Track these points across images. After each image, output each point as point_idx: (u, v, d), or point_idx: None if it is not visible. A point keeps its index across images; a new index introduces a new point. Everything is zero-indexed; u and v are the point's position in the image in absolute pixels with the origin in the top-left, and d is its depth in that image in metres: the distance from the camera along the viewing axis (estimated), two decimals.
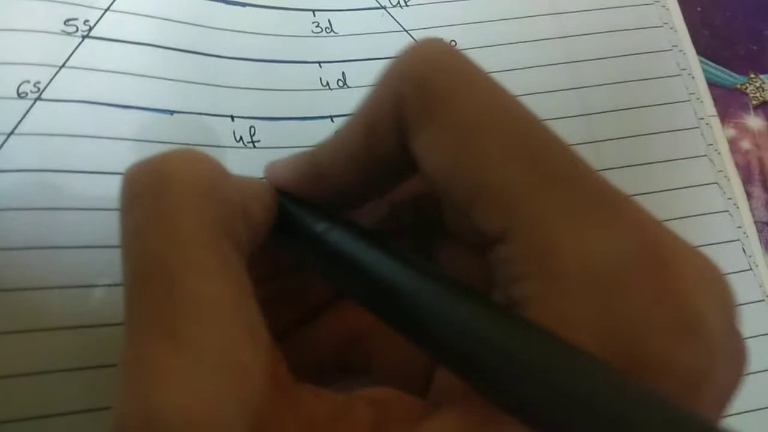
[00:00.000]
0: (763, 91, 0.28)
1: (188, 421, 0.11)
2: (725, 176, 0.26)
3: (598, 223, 0.12)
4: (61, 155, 0.20)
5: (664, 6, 0.28)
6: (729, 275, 0.22)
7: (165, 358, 0.11)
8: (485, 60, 0.24)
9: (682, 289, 0.12)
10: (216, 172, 0.14)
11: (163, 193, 0.13)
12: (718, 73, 0.28)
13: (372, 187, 0.16)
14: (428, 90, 0.14)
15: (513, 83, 0.24)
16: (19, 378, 0.18)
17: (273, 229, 0.16)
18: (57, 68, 0.21)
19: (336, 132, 0.16)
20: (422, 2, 0.26)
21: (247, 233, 0.14)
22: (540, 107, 0.24)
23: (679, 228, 0.23)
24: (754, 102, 0.28)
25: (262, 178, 0.17)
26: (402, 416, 0.13)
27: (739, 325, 0.14)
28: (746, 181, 0.26)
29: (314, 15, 0.25)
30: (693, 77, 0.27)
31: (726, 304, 0.13)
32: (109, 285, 0.19)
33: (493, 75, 0.24)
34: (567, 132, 0.24)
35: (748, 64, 0.29)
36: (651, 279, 0.12)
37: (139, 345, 0.12)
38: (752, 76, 0.29)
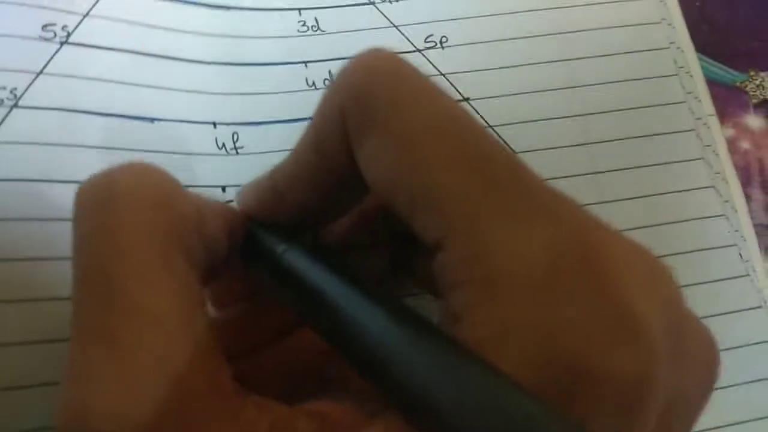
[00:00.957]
0: (763, 89, 0.28)
1: (116, 426, 0.11)
2: (723, 178, 0.25)
3: (533, 226, 0.12)
4: (39, 164, 0.20)
5: (661, 1, 0.27)
6: (725, 281, 0.22)
7: (100, 363, 0.12)
8: (477, 56, 0.24)
9: (618, 289, 0.12)
10: (167, 184, 0.14)
11: (109, 204, 0.13)
12: (718, 70, 0.27)
13: (332, 205, 0.16)
14: (368, 100, 0.14)
15: (505, 80, 0.24)
16: None
17: (242, 251, 0.16)
18: (34, 75, 0.20)
19: (290, 151, 0.16)
20: None
21: (202, 248, 0.14)
22: (533, 106, 0.24)
23: (673, 233, 0.23)
24: (754, 100, 0.27)
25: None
26: (343, 428, 0.13)
27: (695, 325, 0.13)
28: (745, 182, 0.26)
29: (300, 14, 0.25)
30: (691, 75, 0.26)
31: (670, 304, 0.13)
32: None
33: (486, 72, 0.24)
34: (560, 132, 0.23)
35: (748, 61, 0.28)
36: (585, 280, 0.12)
37: (79, 350, 0.12)
38: (752, 73, 0.28)
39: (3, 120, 0.20)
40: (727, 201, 0.24)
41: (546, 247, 0.12)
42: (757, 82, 0.28)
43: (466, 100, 0.24)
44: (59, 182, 0.20)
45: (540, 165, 0.22)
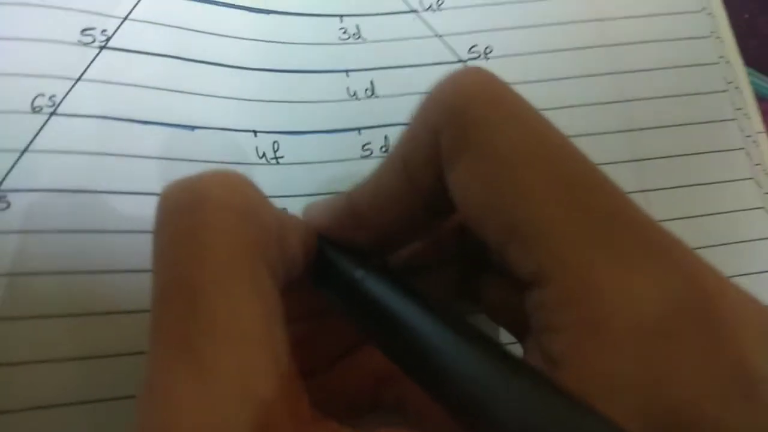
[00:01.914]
0: None
1: None
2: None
3: (644, 268, 0.11)
4: (78, 173, 0.19)
5: (710, 13, 0.26)
6: None
7: (182, 382, 0.11)
8: (522, 68, 0.24)
9: (738, 344, 0.11)
10: (253, 195, 0.13)
11: (195, 211, 0.12)
12: (767, 85, 0.27)
13: (412, 227, 0.15)
14: (463, 119, 0.13)
15: (551, 94, 0.23)
16: None
17: (310, 269, 0.15)
18: (73, 81, 0.20)
19: (373, 171, 0.15)
20: (456, 5, 0.25)
21: (283, 262, 0.14)
22: (580, 122, 0.23)
23: (721, 254, 0.22)
24: None
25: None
26: None
27: None
28: None
29: (341, 21, 0.24)
30: (740, 90, 0.25)
31: None
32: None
33: (532, 84, 0.23)
34: (607, 147, 0.23)
35: None
36: (704, 332, 0.11)
37: (159, 366, 0.12)
38: None
39: (42, 128, 0.19)
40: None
41: (659, 292, 0.11)
42: None
43: None
44: (99, 192, 0.19)
45: None
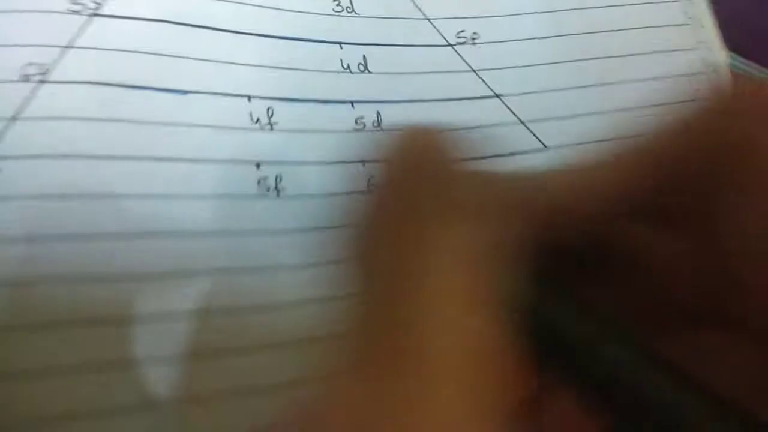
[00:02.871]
0: None
1: None
2: None
3: None
4: (70, 140, 0.19)
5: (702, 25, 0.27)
6: None
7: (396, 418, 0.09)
8: (507, 55, 0.24)
9: None
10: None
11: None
12: (749, 69, 0.27)
13: None
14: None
15: (534, 79, 0.23)
16: None
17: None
18: (63, 49, 0.20)
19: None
20: None
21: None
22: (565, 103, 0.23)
23: None
24: None
25: None
26: None
27: None
28: None
29: None
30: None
31: None
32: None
33: (517, 69, 0.23)
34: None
35: None
36: None
37: (368, 388, 0.09)
38: None
39: (32, 96, 0.19)
40: None
41: None
42: None
43: (498, 96, 0.24)
44: (90, 158, 0.19)
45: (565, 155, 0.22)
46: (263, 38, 0.22)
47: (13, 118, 0.19)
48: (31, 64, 0.19)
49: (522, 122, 0.23)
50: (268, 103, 0.21)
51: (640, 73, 0.25)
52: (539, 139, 0.23)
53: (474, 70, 0.24)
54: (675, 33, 0.26)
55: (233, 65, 0.22)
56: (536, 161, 0.23)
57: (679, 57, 0.26)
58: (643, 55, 0.26)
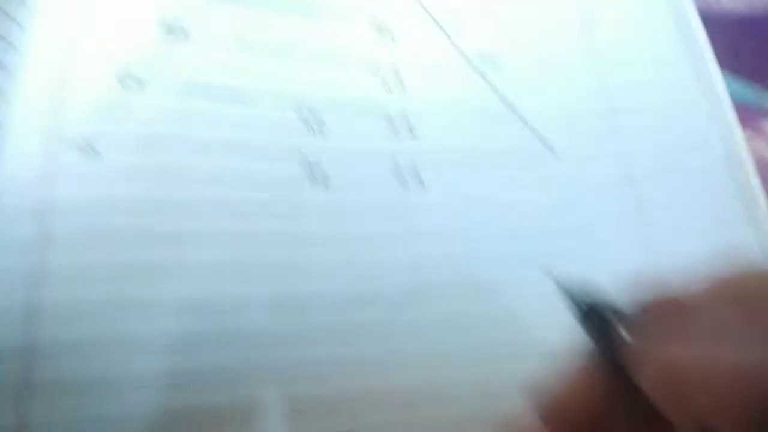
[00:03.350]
0: None
1: None
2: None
3: None
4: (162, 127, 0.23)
5: (691, 33, 0.31)
6: None
7: None
8: (526, 76, 0.27)
9: None
10: None
11: None
12: (745, 92, 0.31)
13: None
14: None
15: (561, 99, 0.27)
16: None
17: None
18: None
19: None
20: (472, 20, 0.29)
21: None
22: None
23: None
24: None
25: None
26: None
27: None
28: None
29: (375, 23, 0.28)
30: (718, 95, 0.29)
31: None
32: None
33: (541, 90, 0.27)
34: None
35: None
36: None
37: None
38: None
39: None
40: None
41: None
42: None
43: (516, 110, 0.27)
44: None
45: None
46: (315, 59, 0.26)
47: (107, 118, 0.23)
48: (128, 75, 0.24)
49: (536, 132, 0.27)
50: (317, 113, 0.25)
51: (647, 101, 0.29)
52: (551, 147, 0.27)
53: (495, 88, 0.28)
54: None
55: (289, 80, 0.26)
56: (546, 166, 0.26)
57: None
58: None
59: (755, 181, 0.28)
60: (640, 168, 0.27)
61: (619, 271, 0.24)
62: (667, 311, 0.13)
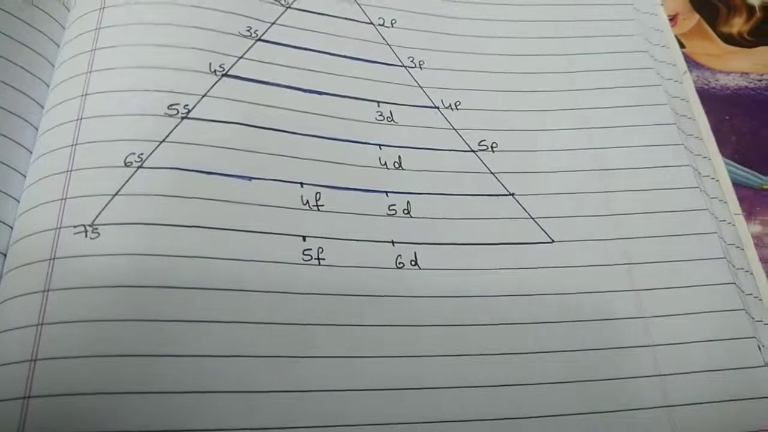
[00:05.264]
0: None
1: None
2: (747, 271, 0.27)
3: None
4: (156, 213, 0.24)
5: (691, 118, 0.31)
6: (741, 370, 0.24)
7: None
8: (521, 162, 0.28)
9: None
10: None
11: None
12: (745, 174, 0.31)
13: None
14: None
15: (547, 181, 0.27)
16: None
17: None
18: (158, 143, 0.25)
19: None
20: (470, 108, 0.30)
21: None
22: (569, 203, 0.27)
23: (691, 323, 0.25)
24: None
25: None
26: None
27: None
28: None
29: (378, 105, 0.29)
30: (718, 180, 0.29)
31: None
32: None
33: (528, 174, 0.27)
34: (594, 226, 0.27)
35: None
36: None
37: None
38: None
39: (131, 177, 0.24)
40: (750, 294, 0.27)
41: None
42: None
43: (512, 194, 0.28)
44: (173, 226, 0.24)
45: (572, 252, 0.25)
46: (317, 138, 0.27)
47: (115, 194, 0.24)
48: (132, 153, 0.25)
49: (532, 218, 0.27)
50: (317, 189, 0.26)
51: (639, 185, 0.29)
52: (546, 233, 0.27)
53: (492, 172, 0.28)
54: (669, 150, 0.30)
55: (290, 158, 0.27)
56: (543, 252, 0.27)
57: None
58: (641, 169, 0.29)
59: (756, 265, 0.28)
60: (637, 251, 0.27)
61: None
62: None
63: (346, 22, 0.31)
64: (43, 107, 0.27)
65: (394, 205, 0.27)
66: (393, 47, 0.31)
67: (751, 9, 0.36)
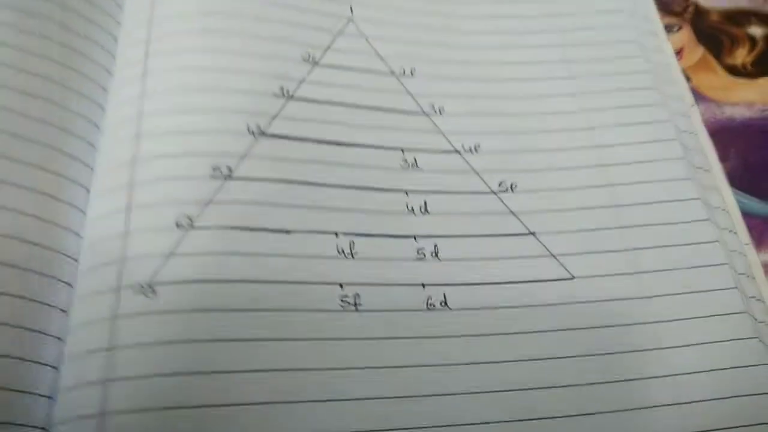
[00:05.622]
0: None
1: None
2: (759, 299, 0.29)
3: None
4: (207, 269, 0.26)
5: (700, 151, 0.33)
6: (755, 396, 0.26)
7: None
8: (542, 202, 0.30)
9: None
10: None
11: None
12: (754, 204, 0.32)
13: None
14: None
15: (565, 220, 0.29)
16: None
17: None
18: (206, 204, 0.27)
19: None
20: (490, 150, 0.32)
21: None
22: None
23: (707, 353, 0.27)
24: None
25: None
26: None
27: None
28: None
29: (403, 153, 0.31)
30: (728, 212, 0.31)
31: None
32: None
33: (548, 212, 0.29)
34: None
35: None
36: None
37: None
38: None
39: (182, 239, 0.26)
40: (762, 321, 0.28)
41: None
42: None
43: (533, 233, 0.30)
44: (223, 282, 0.26)
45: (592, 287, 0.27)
46: (348, 189, 0.29)
47: (170, 255, 0.26)
48: (182, 215, 0.27)
49: (553, 255, 0.29)
50: (351, 237, 0.28)
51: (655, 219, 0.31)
52: (567, 270, 0.29)
53: (513, 212, 0.30)
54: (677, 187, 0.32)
55: (324, 209, 0.29)
56: (564, 288, 0.28)
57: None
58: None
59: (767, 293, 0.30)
60: (653, 285, 0.29)
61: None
62: None
63: (369, 75, 0.33)
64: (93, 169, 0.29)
65: (423, 248, 0.29)
66: (414, 96, 0.33)
67: (753, 40, 0.37)
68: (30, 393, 0.24)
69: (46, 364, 0.24)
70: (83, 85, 0.31)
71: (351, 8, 0.35)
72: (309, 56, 0.32)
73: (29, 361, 0.24)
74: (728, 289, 0.29)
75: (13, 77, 0.28)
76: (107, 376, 0.24)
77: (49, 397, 0.24)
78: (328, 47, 0.33)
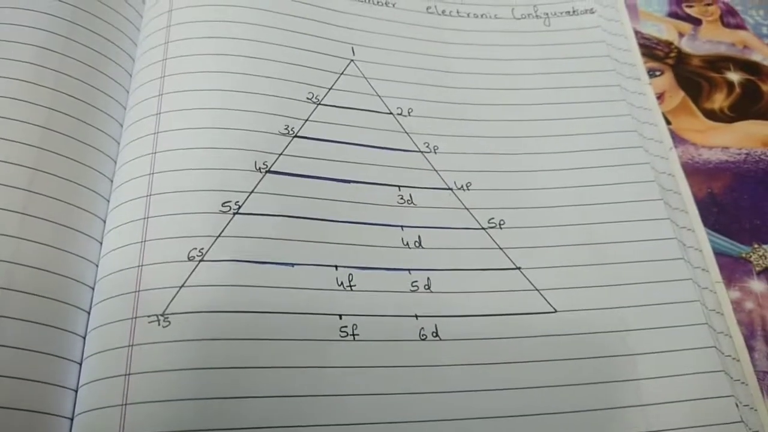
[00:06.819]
0: (765, 258, 0.35)
1: None
2: (727, 335, 0.31)
3: None
4: (216, 301, 0.28)
5: (677, 192, 0.35)
6: (720, 426, 0.28)
7: None
8: (527, 237, 0.32)
9: None
10: None
11: None
12: (725, 244, 0.35)
13: None
14: None
15: (551, 256, 0.32)
16: None
17: None
18: (215, 237, 0.29)
19: None
20: (480, 188, 0.34)
21: None
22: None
23: (677, 384, 0.29)
24: (757, 268, 0.34)
25: None
26: None
27: None
28: (750, 336, 0.32)
29: (399, 189, 0.33)
30: (701, 251, 0.33)
31: None
32: None
33: (534, 248, 0.32)
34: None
35: (752, 236, 0.35)
36: None
37: None
38: (755, 246, 0.35)
39: (193, 271, 0.28)
40: (728, 355, 0.31)
41: None
42: (760, 254, 0.35)
43: (518, 268, 0.32)
44: (232, 312, 0.28)
45: (573, 320, 0.29)
46: (347, 224, 0.31)
47: (182, 286, 0.28)
48: (194, 248, 0.29)
49: (537, 289, 0.31)
50: (349, 270, 0.30)
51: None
52: (550, 304, 0.31)
53: (500, 248, 0.32)
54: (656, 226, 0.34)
55: (325, 243, 0.31)
56: (546, 322, 0.30)
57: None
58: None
59: (735, 329, 0.32)
60: (630, 319, 0.31)
61: None
62: None
63: (369, 114, 0.35)
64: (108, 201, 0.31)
65: (416, 281, 0.31)
66: (410, 134, 0.35)
67: (731, 85, 0.40)
68: (51, 414, 0.26)
69: (67, 388, 0.26)
70: (101, 121, 0.33)
71: (353, 49, 0.37)
72: (313, 96, 0.35)
73: (50, 384, 0.26)
74: (699, 324, 0.31)
75: (34, 113, 0.30)
76: (124, 401, 0.26)
77: (69, 419, 0.26)
78: (331, 87, 0.35)
